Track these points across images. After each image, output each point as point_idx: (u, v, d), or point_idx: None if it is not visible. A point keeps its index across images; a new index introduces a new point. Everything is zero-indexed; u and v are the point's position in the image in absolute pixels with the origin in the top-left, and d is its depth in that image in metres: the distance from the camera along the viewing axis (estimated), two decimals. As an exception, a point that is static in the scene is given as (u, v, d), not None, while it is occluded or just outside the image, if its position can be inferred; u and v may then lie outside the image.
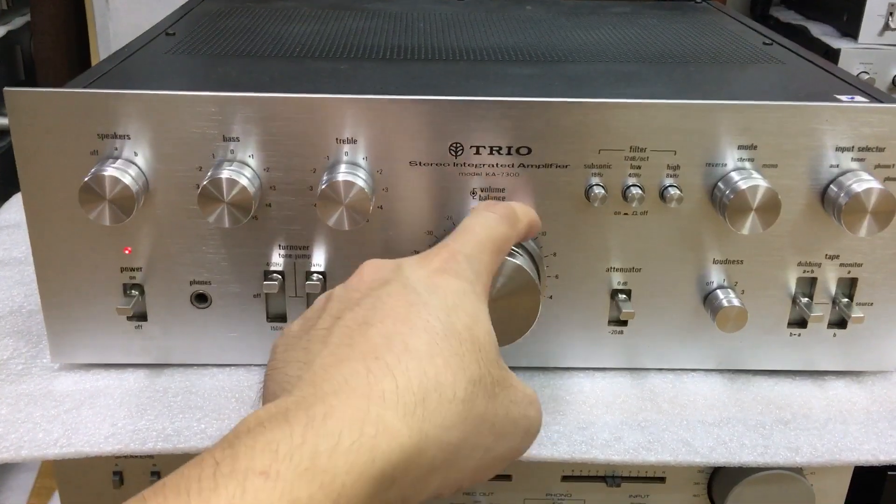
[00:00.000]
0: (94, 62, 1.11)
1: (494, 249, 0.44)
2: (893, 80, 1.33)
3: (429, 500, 0.34)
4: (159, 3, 1.06)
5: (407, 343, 0.35)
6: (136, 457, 0.54)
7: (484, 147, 0.50)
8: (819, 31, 1.39)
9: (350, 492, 0.29)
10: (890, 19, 1.31)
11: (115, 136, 0.49)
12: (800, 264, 0.53)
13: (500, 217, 0.45)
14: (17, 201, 0.79)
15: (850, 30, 1.34)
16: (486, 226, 0.44)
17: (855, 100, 0.52)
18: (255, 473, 0.28)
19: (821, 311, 0.53)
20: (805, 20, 1.47)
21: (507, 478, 0.56)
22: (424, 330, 0.35)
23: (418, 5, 0.81)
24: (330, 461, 0.29)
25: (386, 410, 0.32)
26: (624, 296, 0.54)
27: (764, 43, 0.67)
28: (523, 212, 0.48)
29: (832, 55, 1.32)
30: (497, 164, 0.50)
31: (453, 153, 0.50)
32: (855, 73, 1.32)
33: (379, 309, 0.36)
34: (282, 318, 0.54)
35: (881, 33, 1.32)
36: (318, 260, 0.53)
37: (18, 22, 1.18)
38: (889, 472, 0.57)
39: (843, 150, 0.50)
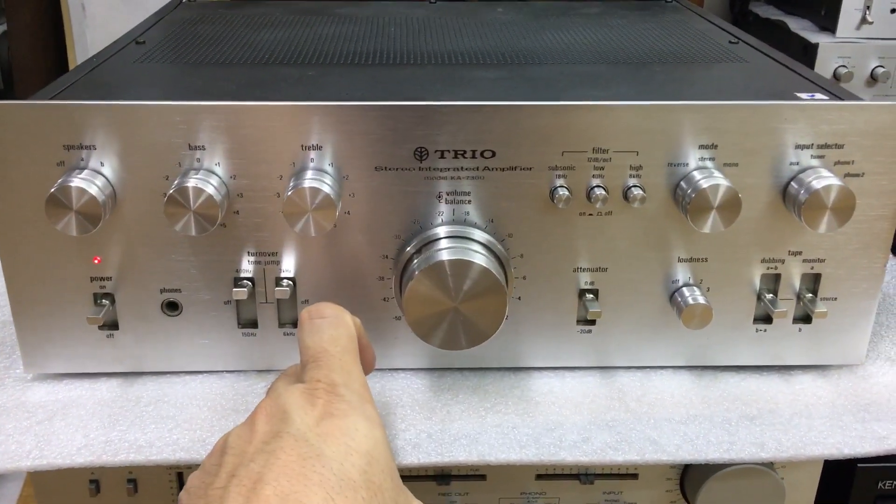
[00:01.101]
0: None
1: (355, 356, 0.44)
2: (872, 73, 1.34)
3: None
4: (136, 10, 1.07)
5: (302, 503, 0.35)
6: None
7: (448, 151, 0.50)
8: (797, 25, 1.40)
9: None
10: (867, 13, 1.32)
11: (80, 147, 0.49)
12: (763, 261, 0.54)
13: (333, 320, 0.45)
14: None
15: (828, 24, 1.35)
16: (332, 338, 0.44)
17: (815, 97, 0.52)
18: None
19: (785, 307, 0.54)
20: (784, 15, 1.47)
21: (482, 478, 0.57)
22: (319, 485, 0.35)
23: (390, 9, 0.81)
24: None
25: None
26: (591, 295, 0.54)
27: (730, 42, 0.68)
28: (336, 307, 0.47)
29: (810, 50, 1.32)
30: (462, 168, 0.51)
31: (418, 157, 0.50)
32: (833, 68, 1.33)
33: (273, 465, 0.36)
34: (253, 323, 0.55)
35: (859, 27, 1.33)
36: (288, 266, 0.53)
37: (-4, 31, 1.17)
38: (859, 465, 0.57)
39: (802, 147, 0.51)
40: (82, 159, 0.49)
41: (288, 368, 0.47)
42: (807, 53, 1.33)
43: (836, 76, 1.32)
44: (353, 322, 0.46)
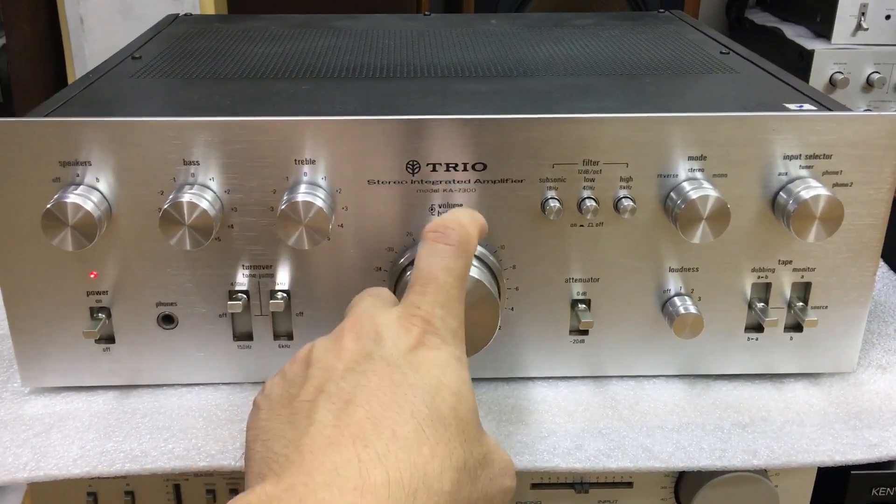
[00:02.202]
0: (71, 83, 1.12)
1: (462, 290, 0.43)
2: (868, 79, 1.34)
3: None
4: (135, 24, 1.08)
5: (395, 430, 0.34)
6: (110, 477, 0.55)
7: (440, 164, 0.51)
8: (793, 32, 1.41)
9: None
10: (862, 19, 1.32)
11: (76, 163, 0.50)
12: (754, 270, 0.54)
13: (456, 250, 0.43)
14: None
15: (824, 30, 1.35)
16: (448, 268, 0.42)
17: (803, 108, 0.53)
18: None
19: (776, 316, 0.54)
20: (780, 22, 1.48)
21: (477, 487, 0.57)
22: (412, 415, 0.35)
23: (385, 22, 0.82)
24: None
25: None
26: (584, 305, 0.55)
27: (721, 52, 0.68)
28: (473, 223, 0.45)
29: (806, 56, 1.33)
30: (454, 181, 0.51)
31: (410, 170, 0.51)
32: (829, 74, 1.33)
33: (364, 387, 0.36)
34: (248, 336, 0.55)
35: (854, 33, 1.33)
36: (282, 279, 0.53)
37: (-5, 45, 1.18)
38: (852, 472, 0.58)
39: (791, 158, 0.51)
40: (78, 175, 0.50)
41: (369, 290, 0.45)
42: (802, 60, 1.33)
43: (832, 82, 1.33)
44: (477, 237, 0.44)
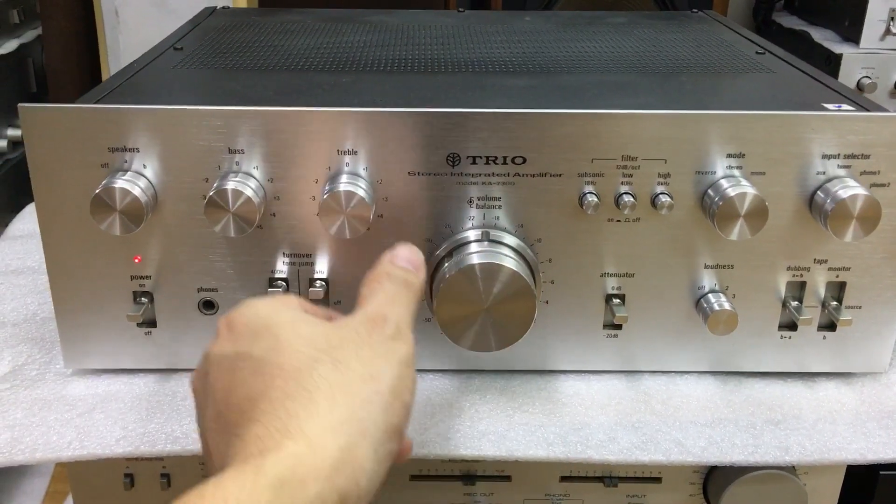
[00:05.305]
0: (104, 75, 1.13)
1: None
2: (895, 84, 1.34)
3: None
4: (168, 17, 1.09)
5: (249, 394, 0.37)
6: (147, 459, 0.56)
7: (480, 157, 0.51)
8: (821, 36, 1.40)
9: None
10: (891, 24, 1.32)
11: (124, 150, 0.51)
12: (789, 269, 0.54)
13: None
14: (30, 211, 0.81)
15: (852, 35, 1.35)
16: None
17: (842, 108, 0.53)
18: None
19: (810, 315, 0.55)
20: (807, 25, 1.48)
21: (507, 478, 0.58)
22: (251, 374, 0.38)
23: (419, 17, 0.83)
24: None
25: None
26: (618, 300, 0.55)
27: (756, 52, 0.69)
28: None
29: (834, 60, 1.33)
30: (493, 174, 0.52)
31: (450, 163, 0.52)
32: (857, 78, 1.33)
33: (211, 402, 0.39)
34: (286, 323, 0.56)
35: (883, 38, 1.33)
36: (321, 267, 0.54)
37: (30, 35, 1.20)
38: (881, 472, 0.58)
39: (829, 157, 0.51)
40: (126, 161, 0.51)
41: None
42: (830, 64, 1.33)
43: (859, 87, 1.32)
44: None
